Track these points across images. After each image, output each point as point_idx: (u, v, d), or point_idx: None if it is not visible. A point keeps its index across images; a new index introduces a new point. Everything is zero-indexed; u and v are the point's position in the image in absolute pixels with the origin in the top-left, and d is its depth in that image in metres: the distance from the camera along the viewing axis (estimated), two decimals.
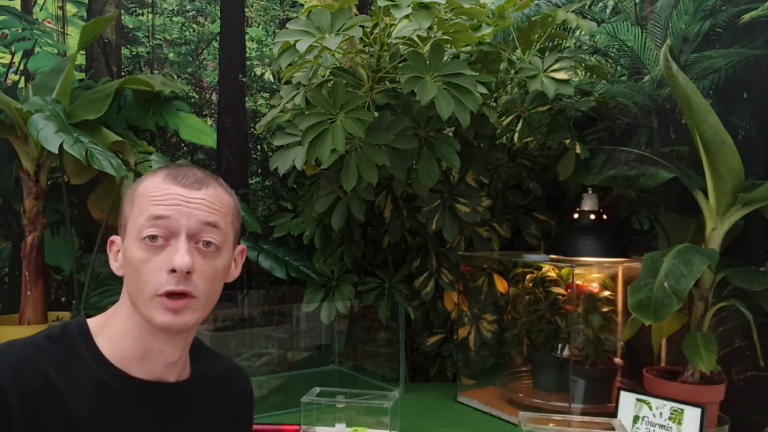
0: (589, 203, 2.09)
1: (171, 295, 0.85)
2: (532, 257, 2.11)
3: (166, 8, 2.47)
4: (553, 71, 1.97)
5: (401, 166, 2.00)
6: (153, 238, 0.86)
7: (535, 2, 2.43)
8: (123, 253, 0.90)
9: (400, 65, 1.95)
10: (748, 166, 1.71)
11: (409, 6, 1.78)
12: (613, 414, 1.78)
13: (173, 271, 0.85)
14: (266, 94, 2.65)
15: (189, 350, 0.98)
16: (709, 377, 1.78)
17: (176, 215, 0.86)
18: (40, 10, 2.25)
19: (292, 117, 2.18)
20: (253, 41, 2.63)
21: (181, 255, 0.85)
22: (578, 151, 2.08)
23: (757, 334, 1.74)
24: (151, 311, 0.86)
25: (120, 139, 2.05)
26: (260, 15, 2.65)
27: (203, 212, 0.88)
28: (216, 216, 0.90)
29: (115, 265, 0.93)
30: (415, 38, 1.98)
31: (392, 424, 1.69)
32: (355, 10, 2.13)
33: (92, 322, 0.93)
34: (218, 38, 2.57)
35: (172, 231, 0.86)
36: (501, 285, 2.32)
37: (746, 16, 1.88)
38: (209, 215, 0.89)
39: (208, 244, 0.88)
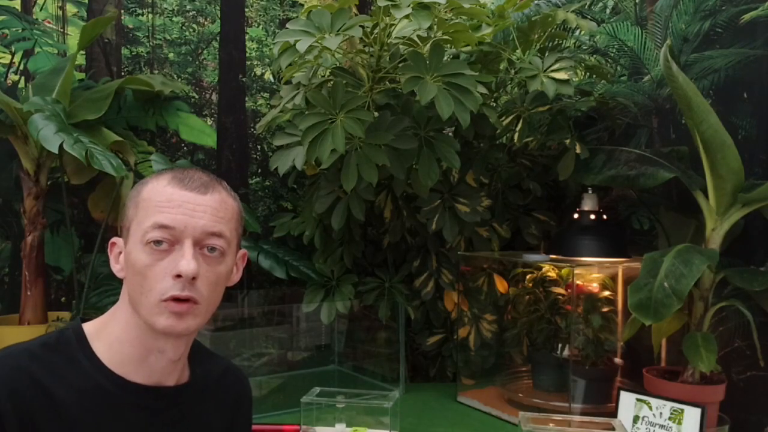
0: (589, 203, 2.09)
1: (175, 300, 0.85)
2: (532, 257, 2.11)
3: (166, 8, 2.47)
4: (553, 71, 1.97)
5: (401, 166, 2.00)
6: (158, 242, 0.86)
7: (535, 2, 2.43)
8: (126, 256, 0.89)
9: (400, 65, 1.95)
10: (748, 166, 1.71)
11: (409, 6, 1.78)
12: (613, 414, 1.78)
13: (178, 276, 0.85)
14: (266, 94, 2.65)
15: (189, 353, 0.97)
16: (709, 377, 1.78)
17: (182, 223, 0.86)
18: (40, 10, 2.25)
19: (292, 117, 2.18)
20: (253, 41, 2.63)
21: (187, 261, 0.85)
22: (578, 151, 2.08)
23: (757, 334, 1.74)
24: (155, 316, 0.86)
25: (120, 139, 2.05)
26: (260, 15, 2.65)
27: (209, 220, 0.88)
28: (221, 224, 0.90)
29: (116, 267, 0.92)
30: (415, 38, 1.98)
31: (392, 424, 1.69)
32: (355, 10, 2.13)
33: (89, 327, 0.92)
34: (218, 38, 2.57)
35: (178, 237, 0.86)
36: (501, 285, 2.32)
37: (746, 16, 1.88)
38: (215, 224, 0.89)
39: (212, 249, 0.89)
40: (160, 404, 0.92)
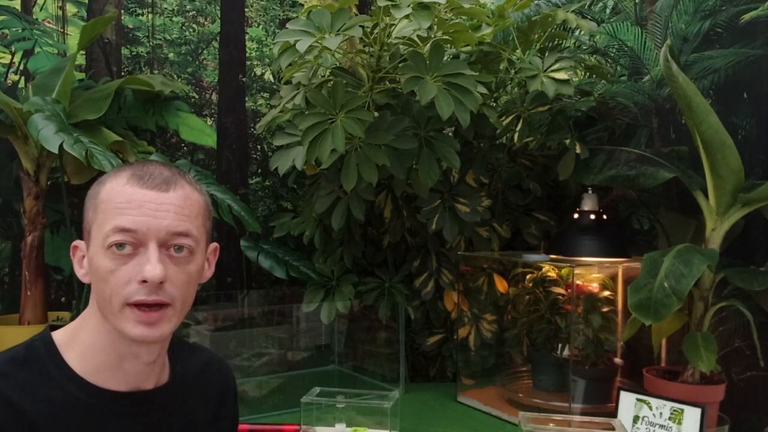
0: (589, 203, 2.09)
1: (142, 305, 0.81)
2: (532, 257, 2.11)
3: (166, 8, 2.47)
4: (553, 71, 1.97)
5: (401, 166, 2.00)
6: (120, 246, 0.81)
7: (535, 2, 2.43)
8: (89, 261, 0.85)
9: (400, 65, 1.95)
10: (748, 166, 1.71)
11: (409, 6, 1.78)
12: (613, 414, 1.79)
13: (144, 281, 0.80)
14: (266, 94, 2.65)
15: (168, 351, 0.94)
16: (709, 377, 1.78)
17: (144, 225, 0.81)
18: (40, 10, 2.25)
19: (292, 117, 2.18)
20: (253, 41, 2.63)
21: (152, 265, 0.80)
22: (578, 151, 2.08)
23: (757, 334, 1.74)
24: (122, 323, 0.81)
25: (120, 139, 2.05)
26: (260, 15, 2.65)
27: (173, 219, 0.83)
28: (187, 222, 0.85)
29: (81, 272, 0.87)
30: (415, 38, 1.99)
31: (392, 424, 1.69)
32: (355, 10, 2.13)
33: (58, 336, 0.88)
34: (218, 38, 2.57)
35: (141, 240, 0.81)
36: (501, 285, 2.32)
37: (746, 16, 1.88)
38: (180, 223, 0.84)
39: (179, 249, 0.84)
40: (140, 409, 0.88)
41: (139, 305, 0.81)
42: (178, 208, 0.84)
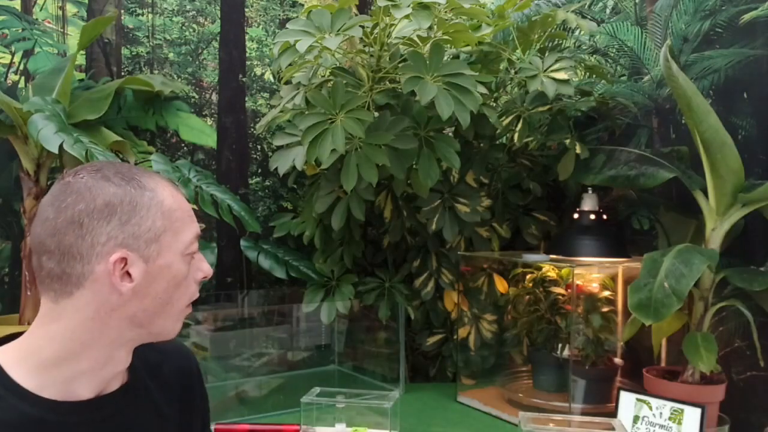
0: (589, 203, 2.09)
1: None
2: (532, 257, 2.11)
3: (166, 8, 2.47)
4: (553, 71, 1.97)
5: (401, 166, 2.00)
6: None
7: (535, 2, 2.43)
8: (154, 270, 0.83)
9: (400, 65, 1.95)
10: (748, 166, 1.71)
11: (409, 6, 1.78)
12: (613, 414, 1.79)
13: (203, 279, 0.91)
14: (266, 94, 2.65)
15: None
16: (709, 377, 1.78)
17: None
18: (40, 10, 2.25)
19: (292, 117, 2.18)
20: (253, 41, 2.63)
21: (207, 263, 0.91)
22: (578, 151, 2.08)
23: (757, 334, 1.74)
24: (177, 323, 0.89)
25: (120, 139, 2.05)
26: (260, 15, 2.65)
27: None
28: None
29: (127, 286, 0.82)
30: (415, 38, 1.99)
31: (392, 424, 1.69)
32: (355, 10, 2.13)
33: (5, 355, 0.83)
34: (218, 38, 2.57)
35: None
36: (501, 285, 2.32)
37: (746, 16, 1.88)
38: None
39: None
40: (102, 414, 0.86)
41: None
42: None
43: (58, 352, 0.82)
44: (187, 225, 0.88)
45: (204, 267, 0.91)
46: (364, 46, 2.07)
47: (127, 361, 0.89)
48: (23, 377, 0.81)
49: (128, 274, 0.82)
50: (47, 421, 0.81)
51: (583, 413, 1.92)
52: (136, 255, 0.82)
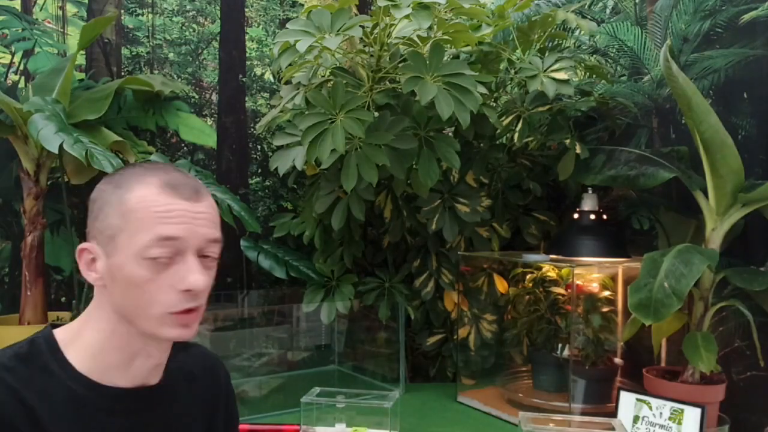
0: (589, 203, 2.09)
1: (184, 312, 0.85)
2: (532, 257, 2.11)
3: (166, 8, 2.47)
4: (553, 71, 1.97)
5: (401, 166, 2.00)
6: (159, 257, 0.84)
7: (535, 2, 2.43)
8: (112, 268, 0.85)
9: (400, 65, 1.95)
10: (748, 166, 1.71)
11: (409, 6, 1.78)
12: (613, 414, 1.78)
13: (188, 291, 0.83)
14: (266, 94, 2.66)
15: None
16: (709, 377, 1.78)
17: (186, 233, 0.84)
18: (40, 10, 2.25)
19: (292, 117, 2.18)
20: (253, 41, 2.63)
21: (196, 276, 0.83)
22: (578, 151, 2.08)
23: (757, 334, 1.73)
24: (161, 327, 0.84)
25: (120, 139, 2.05)
26: (260, 15, 2.65)
27: (208, 228, 0.86)
28: (217, 230, 0.88)
29: (92, 276, 0.86)
30: (415, 38, 1.98)
31: (392, 424, 1.69)
32: (355, 10, 2.13)
33: (60, 334, 0.89)
34: (218, 38, 2.57)
35: (180, 249, 0.84)
36: (501, 285, 2.32)
37: (746, 16, 1.88)
38: (214, 231, 0.87)
39: (208, 257, 0.88)
40: (140, 405, 0.90)
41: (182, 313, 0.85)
42: (210, 216, 0.88)
43: (91, 338, 0.88)
44: (148, 226, 0.82)
45: (188, 278, 0.83)
46: (364, 46, 2.07)
47: (160, 357, 0.91)
48: (76, 358, 0.87)
49: (94, 263, 0.87)
50: (91, 402, 0.86)
51: (583, 413, 1.92)
52: (101, 250, 0.86)
